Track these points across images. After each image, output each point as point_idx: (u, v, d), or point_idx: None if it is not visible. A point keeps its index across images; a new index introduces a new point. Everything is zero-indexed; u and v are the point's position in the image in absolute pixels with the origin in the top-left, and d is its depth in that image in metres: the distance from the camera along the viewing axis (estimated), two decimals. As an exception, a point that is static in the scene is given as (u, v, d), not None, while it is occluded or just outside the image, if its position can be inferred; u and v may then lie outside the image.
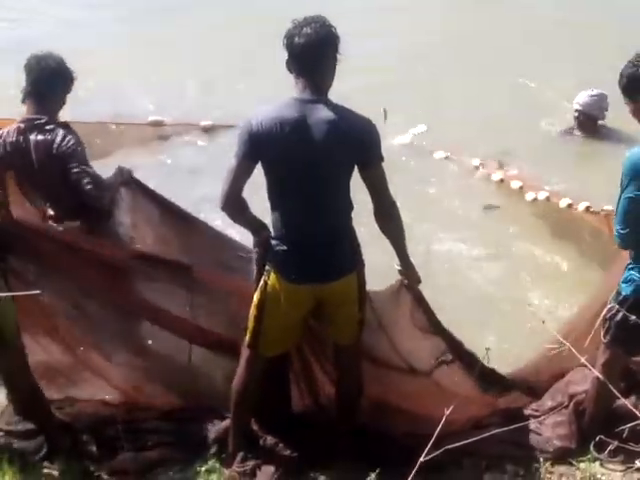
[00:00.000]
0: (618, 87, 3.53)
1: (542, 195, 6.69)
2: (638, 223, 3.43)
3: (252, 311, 3.56)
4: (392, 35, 10.70)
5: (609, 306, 3.53)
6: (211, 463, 3.82)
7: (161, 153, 7.61)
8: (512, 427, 3.88)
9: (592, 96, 7.47)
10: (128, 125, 7.50)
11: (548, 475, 3.78)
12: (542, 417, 3.96)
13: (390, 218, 3.51)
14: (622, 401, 2.81)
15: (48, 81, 4.08)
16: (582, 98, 7.54)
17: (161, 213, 4.56)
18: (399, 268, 3.68)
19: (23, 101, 4.13)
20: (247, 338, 3.61)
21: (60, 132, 4.05)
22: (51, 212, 4.14)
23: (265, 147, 3.31)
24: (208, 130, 8.15)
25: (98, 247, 3.89)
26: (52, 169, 4.04)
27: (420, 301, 3.81)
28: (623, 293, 3.57)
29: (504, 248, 6.25)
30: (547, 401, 4.04)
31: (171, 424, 4.02)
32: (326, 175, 3.36)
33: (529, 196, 6.77)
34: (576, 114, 7.61)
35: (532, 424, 3.93)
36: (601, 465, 3.76)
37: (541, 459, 3.82)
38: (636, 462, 3.24)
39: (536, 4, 11.76)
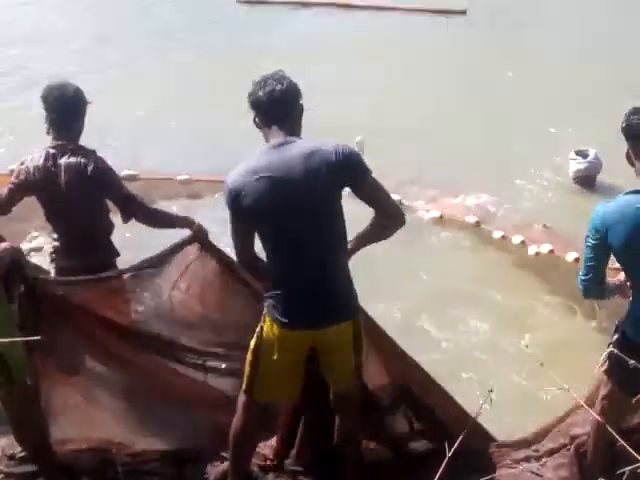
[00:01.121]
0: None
1: (545, 248, 6.65)
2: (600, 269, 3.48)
3: (248, 356, 3.57)
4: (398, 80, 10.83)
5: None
6: (211, 505, 3.81)
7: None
8: (513, 470, 3.92)
9: (587, 162, 7.65)
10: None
11: (550, 519, 3.76)
12: (543, 460, 3.95)
13: (393, 227, 3.50)
14: (620, 442, 2.80)
15: (69, 111, 4.17)
16: (575, 167, 7.76)
17: (223, 283, 4.21)
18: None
19: (48, 132, 4.22)
20: (243, 384, 3.62)
21: (92, 156, 4.15)
22: (56, 244, 4.25)
23: (244, 202, 3.30)
24: (185, 184, 7.77)
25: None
26: (83, 191, 4.11)
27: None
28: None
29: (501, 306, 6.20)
30: (548, 443, 4.01)
31: (171, 466, 3.99)
32: (313, 211, 3.34)
33: (531, 250, 6.72)
34: (574, 181, 7.81)
35: (533, 466, 3.92)
36: (604, 508, 3.73)
37: (543, 502, 3.80)
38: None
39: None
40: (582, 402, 2.99)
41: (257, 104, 3.42)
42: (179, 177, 7.83)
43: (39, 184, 4.16)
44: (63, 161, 4.11)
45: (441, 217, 7.46)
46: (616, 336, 3.55)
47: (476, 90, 10.46)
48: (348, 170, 3.34)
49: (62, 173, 4.10)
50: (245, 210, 3.33)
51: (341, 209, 3.42)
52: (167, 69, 11.46)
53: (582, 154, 7.81)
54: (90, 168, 4.10)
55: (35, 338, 2.79)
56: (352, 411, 3.74)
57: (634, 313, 3.51)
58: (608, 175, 7.72)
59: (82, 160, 4.12)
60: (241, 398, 3.65)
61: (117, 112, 9.36)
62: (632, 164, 3.52)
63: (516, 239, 6.96)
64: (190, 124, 9.41)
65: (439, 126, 9.29)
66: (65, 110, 4.16)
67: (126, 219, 4.25)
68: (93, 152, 4.20)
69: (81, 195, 4.12)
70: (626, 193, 3.41)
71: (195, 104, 9.90)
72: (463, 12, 14.15)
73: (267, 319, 3.48)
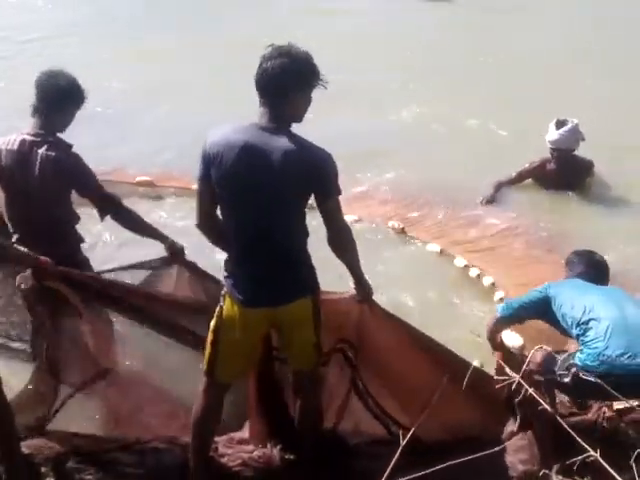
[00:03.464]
0: None
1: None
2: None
3: (209, 336, 3.58)
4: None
5: None
6: (173, 494, 3.79)
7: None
8: (473, 456, 3.89)
9: (564, 132, 7.40)
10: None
11: (511, 502, 3.75)
12: (504, 443, 3.94)
13: (341, 246, 3.54)
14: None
15: (57, 99, 4.13)
16: (553, 135, 7.46)
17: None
18: (353, 286, 3.75)
19: (33, 115, 4.18)
20: (204, 365, 3.62)
21: (70, 153, 4.14)
22: (17, 235, 4.23)
23: (213, 167, 3.35)
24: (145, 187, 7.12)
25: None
26: (55, 185, 4.12)
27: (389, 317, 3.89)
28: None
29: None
30: (508, 427, 4.01)
31: (132, 455, 3.97)
32: (274, 200, 3.36)
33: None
34: (550, 151, 7.56)
35: (494, 451, 3.89)
36: (566, 486, 3.72)
37: (504, 486, 3.76)
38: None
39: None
40: (532, 391, 3.02)
41: (255, 77, 3.37)
42: (137, 178, 7.27)
43: (9, 169, 4.13)
44: (41, 151, 4.08)
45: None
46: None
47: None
48: (321, 183, 3.37)
49: (37, 163, 4.07)
50: (214, 177, 3.36)
51: (303, 206, 3.44)
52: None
53: (562, 124, 7.46)
54: (68, 165, 4.09)
55: None
56: (314, 390, 3.78)
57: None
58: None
59: (60, 155, 4.09)
60: (202, 380, 3.66)
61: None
62: None
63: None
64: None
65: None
66: (50, 100, 4.12)
67: (102, 217, 4.31)
68: (70, 146, 4.18)
69: (53, 188, 4.12)
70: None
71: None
72: None
73: (227, 299, 3.51)
